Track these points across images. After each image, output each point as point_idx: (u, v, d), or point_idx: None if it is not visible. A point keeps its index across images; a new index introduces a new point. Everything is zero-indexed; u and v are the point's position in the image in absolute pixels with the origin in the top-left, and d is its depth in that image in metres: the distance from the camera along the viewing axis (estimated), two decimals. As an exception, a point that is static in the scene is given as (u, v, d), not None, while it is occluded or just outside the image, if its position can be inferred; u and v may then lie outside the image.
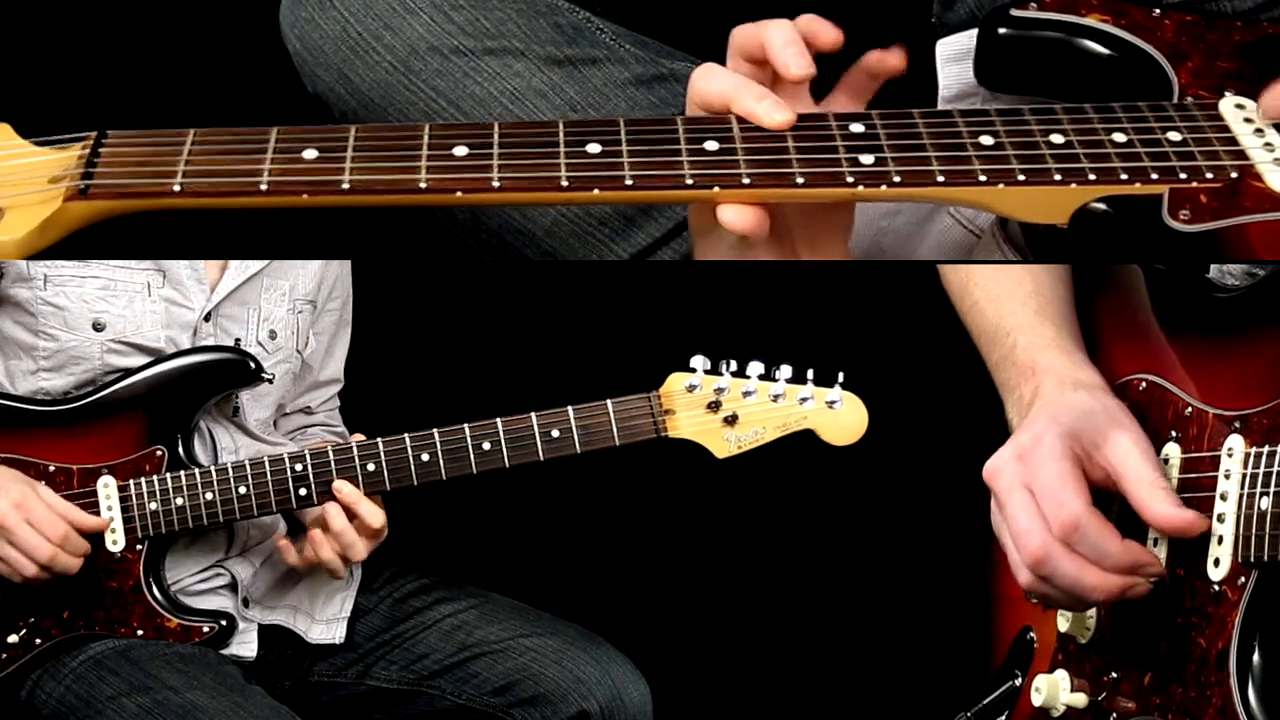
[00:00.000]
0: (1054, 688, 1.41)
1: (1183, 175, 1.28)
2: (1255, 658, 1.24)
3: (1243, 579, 1.25)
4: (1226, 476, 1.28)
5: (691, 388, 1.75)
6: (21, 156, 1.30)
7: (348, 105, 1.78)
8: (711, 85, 1.35)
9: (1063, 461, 1.28)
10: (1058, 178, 1.28)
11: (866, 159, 1.29)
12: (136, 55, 2.61)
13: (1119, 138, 1.31)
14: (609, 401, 1.75)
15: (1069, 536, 1.26)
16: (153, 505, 1.75)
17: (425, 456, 1.74)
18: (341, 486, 1.74)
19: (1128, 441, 1.29)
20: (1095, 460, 1.30)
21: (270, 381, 1.82)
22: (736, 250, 1.33)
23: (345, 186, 1.27)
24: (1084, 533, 1.26)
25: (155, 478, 1.75)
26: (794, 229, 1.35)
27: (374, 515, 1.75)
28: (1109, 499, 1.31)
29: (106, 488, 1.75)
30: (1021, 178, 1.28)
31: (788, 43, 1.33)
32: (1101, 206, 1.27)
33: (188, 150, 1.29)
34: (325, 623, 1.88)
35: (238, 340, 1.83)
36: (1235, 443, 1.28)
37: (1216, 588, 1.27)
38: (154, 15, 2.64)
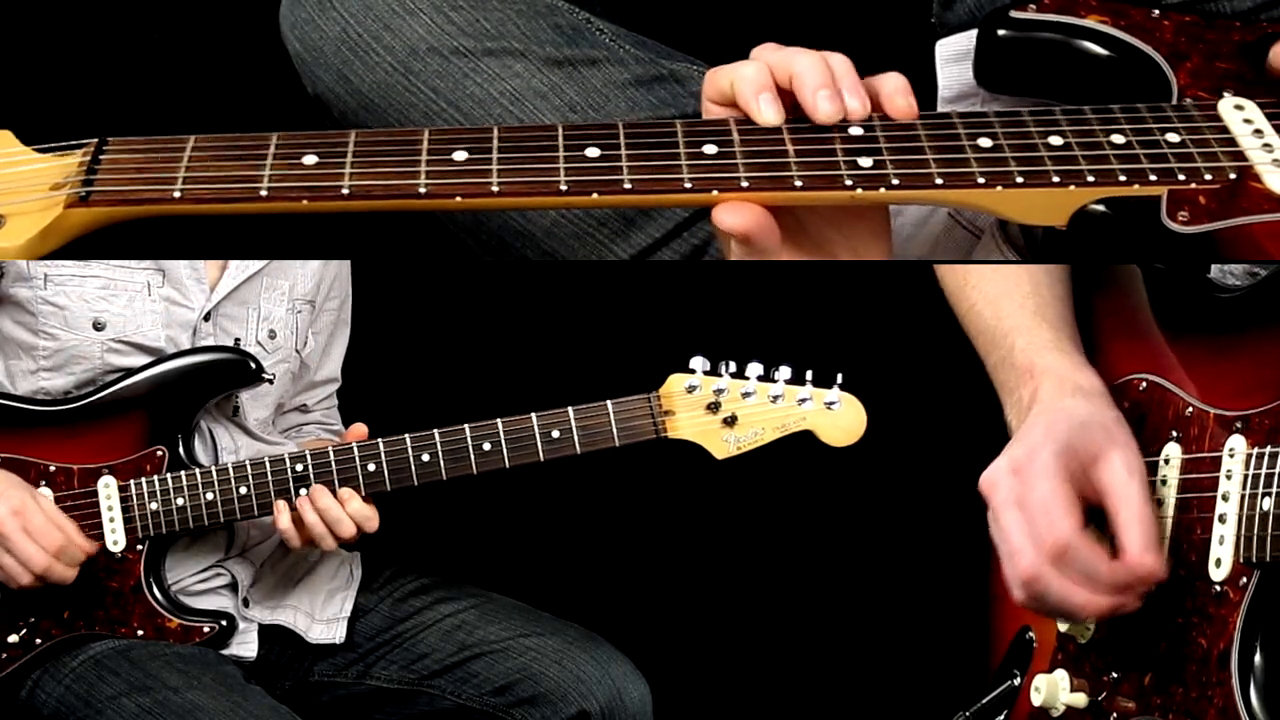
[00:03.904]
0: (1053, 687, 1.41)
1: (1181, 177, 1.28)
2: (1257, 658, 1.24)
3: (1244, 579, 1.26)
4: (1228, 477, 1.28)
5: (691, 389, 1.75)
6: (23, 164, 1.31)
7: (347, 106, 1.78)
8: (722, 76, 1.35)
9: (1055, 480, 1.28)
10: (1056, 179, 1.28)
11: (865, 161, 1.29)
12: (136, 56, 2.61)
13: (1117, 139, 1.31)
14: (609, 402, 1.75)
15: (1058, 558, 1.27)
16: (153, 505, 1.75)
17: (426, 457, 1.75)
18: (348, 497, 1.74)
19: (1120, 462, 1.29)
20: (1089, 477, 1.30)
21: (271, 382, 1.82)
22: (754, 252, 1.32)
23: (345, 192, 1.27)
24: (1073, 555, 1.26)
25: (156, 478, 1.75)
26: (829, 229, 1.35)
27: (367, 521, 1.75)
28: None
29: (107, 488, 1.75)
30: (1020, 180, 1.28)
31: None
32: (1100, 208, 1.27)
33: (188, 156, 1.30)
34: (325, 622, 1.88)
35: (237, 340, 1.83)
36: (1237, 443, 1.28)
37: (1218, 588, 1.27)
38: (153, 17, 2.64)
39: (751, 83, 1.33)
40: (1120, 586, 1.28)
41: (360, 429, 1.79)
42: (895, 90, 1.34)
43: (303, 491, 1.74)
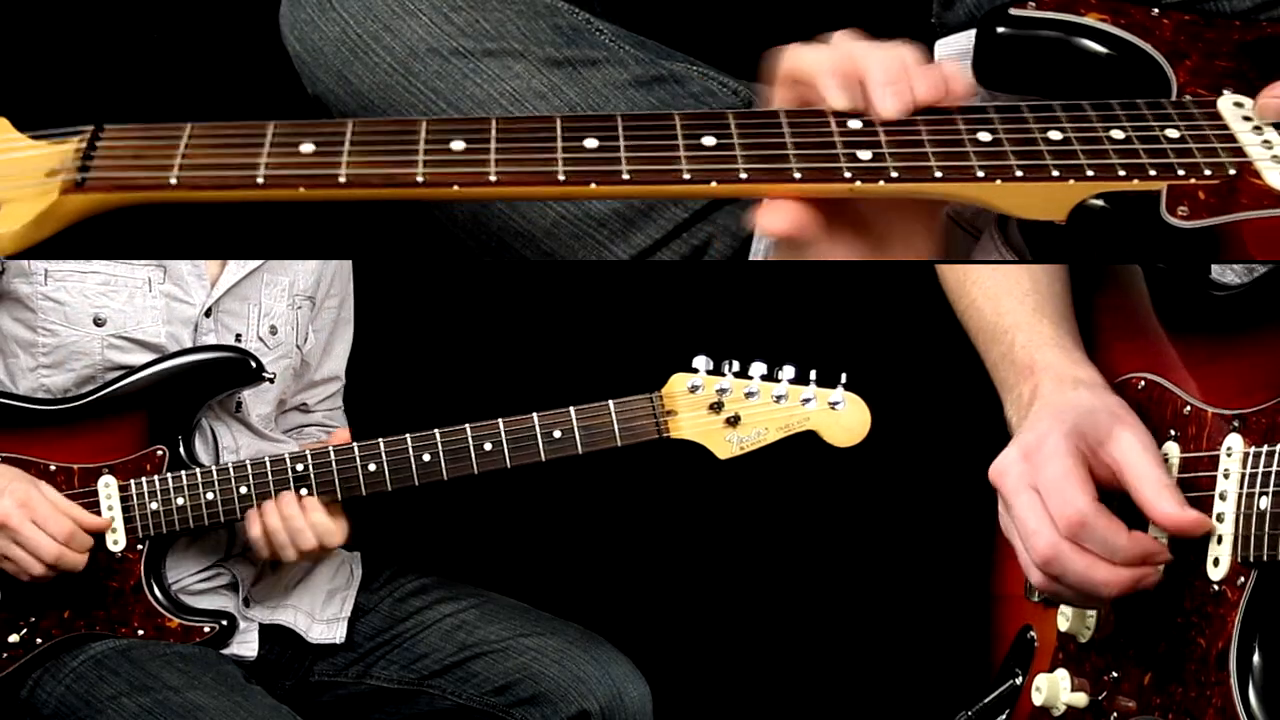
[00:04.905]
0: (1054, 687, 1.41)
1: (1181, 172, 1.28)
2: (1255, 658, 1.24)
3: (1242, 579, 1.25)
4: (1226, 476, 1.28)
5: (694, 388, 1.75)
6: (19, 150, 1.30)
7: (347, 107, 1.79)
8: (804, 58, 1.33)
9: (1067, 459, 1.28)
10: (1055, 174, 1.28)
11: (864, 154, 1.28)
12: (136, 56, 2.61)
13: (1117, 135, 1.31)
14: (611, 402, 1.75)
15: (1076, 534, 1.26)
16: (154, 505, 1.75)
17: (427, 457, 1.75)
18: (311, 507, 1.74)
19: (1131, 438, 1.29)
20: (1100, 457, 1.29)
21: (271, 381, 1.82)
22: (802, 251, 1.31)
23: (342, 180, 1.27)
24: (1091, 529, 1.26)
25: (156, 477, 1.76)
26: (879, 227, 1.34)
27: (329, 535, 1.76)
28: (1113, 495, 1.30)
29: (107, 487, 1.75)
30: (1019, 174, 1.28)
31: (887, 81, 1.31)
32: (1099, 203, 1.27)
33: (184, 143, 1.29)
34: (326, 622, 1.88)
35: (238, 336, 1.83)
36: (1234, 442, 1.28)
37: (1216, 587, 1.27)
38: (153, 15, 2.64)
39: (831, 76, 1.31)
40: (1141, 558, 1.27)
41: (343, 435, 1.79)
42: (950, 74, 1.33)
43: (303, 491, 1.74)
